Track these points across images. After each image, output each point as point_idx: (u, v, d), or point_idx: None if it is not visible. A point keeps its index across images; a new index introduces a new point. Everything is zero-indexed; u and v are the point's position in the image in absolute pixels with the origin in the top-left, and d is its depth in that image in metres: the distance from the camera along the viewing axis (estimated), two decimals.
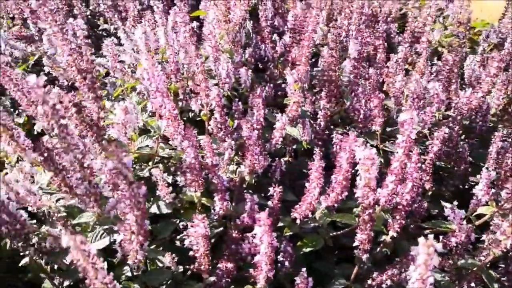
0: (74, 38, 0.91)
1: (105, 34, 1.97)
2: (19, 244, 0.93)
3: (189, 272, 1.09)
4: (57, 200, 1.05)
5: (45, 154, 0.84)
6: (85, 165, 0.78)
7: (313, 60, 1.82)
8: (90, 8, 2.14)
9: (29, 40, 1.46)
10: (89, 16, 2.11)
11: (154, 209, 1.17)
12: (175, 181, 1.23)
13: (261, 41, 1.84)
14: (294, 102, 1.29)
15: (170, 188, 1.18)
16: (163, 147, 1.24)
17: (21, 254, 1.17)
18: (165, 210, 1.16)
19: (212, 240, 1.14)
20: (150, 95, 1.00)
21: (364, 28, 1.95)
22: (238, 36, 1.59)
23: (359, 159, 0.92)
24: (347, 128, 1.70)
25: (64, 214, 0.95)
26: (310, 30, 1.24)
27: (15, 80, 1.09)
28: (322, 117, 1.39)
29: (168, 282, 1.07)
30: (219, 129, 1.30)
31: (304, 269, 0.91)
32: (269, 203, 1.14)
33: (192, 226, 0.88)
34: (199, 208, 1.20)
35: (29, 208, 0.91)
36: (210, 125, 1.30)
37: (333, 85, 1.43)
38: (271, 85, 1.66)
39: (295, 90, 1.32)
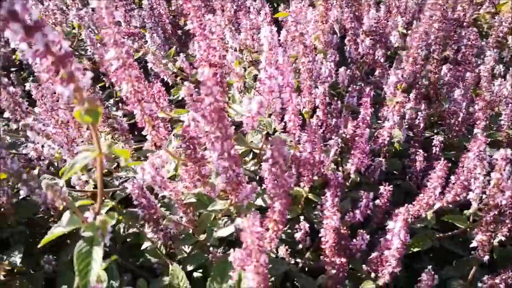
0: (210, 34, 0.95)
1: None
2: (152, 228, 0.97)
3: (300, 265, 1.12)
4: None
5: (188, 143, 0.89)
6: (232, 155, 0.82)
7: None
8: (172, 8, 2.21)
9: (136, 36, 1.53)
10: (171, 16, 2.18)
11: (259, 202, 1.19)
12: None
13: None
14: (397, 103, 1.30)
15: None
16: (267, 143, 1.27)
17: (131, 239, 1.23)
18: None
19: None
20: (271, 91, 1.03)
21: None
22: (330, 36, 1.61)
23: (488, 160, 0.92)
24: (435, 131, 1.68)
25: (193, 200, 0.99)
26: (421, 31, 1.24)
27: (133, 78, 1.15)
28: (422, 119, 1.39)
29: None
30: (320, 127, 1.32)
31: (429, 266, 0.92)
32: (378, 201, 1.15)
33: (325, 218, 0.90)
34: (302, 203, 1.23)
35: (165, 194, 0.95)
36: (311, 122, 1.32)
37: (431, 87, 1.42)
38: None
39: (396, 91, 1.32)
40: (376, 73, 1.83)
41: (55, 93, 1.22)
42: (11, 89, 1.01)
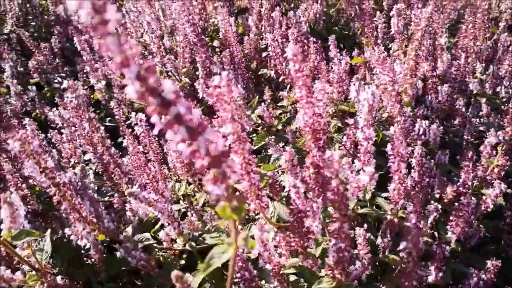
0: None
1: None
2: None
3: None
4: None
5: (296, 217, 0.85)
6: (347, 235, 0.77)
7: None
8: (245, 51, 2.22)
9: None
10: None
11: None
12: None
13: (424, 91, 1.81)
14: (497, 165, 1.21)
15: (369, 248, 1.14)
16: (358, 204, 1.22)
17: None
18: None
19: None
20: (367, 152, 0.98)
21: None
22: (416, 89, 1.56)
23: None
24: None
25: (292, 271, 0.95)
26: None
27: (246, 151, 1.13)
28: None
29: None
30: (413, 188, 1.25)
31: None
32: (483, 276, 1.06)
33: None
34: None
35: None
36: (408, 184, 1.25)
37: None
38: None
39: (496, 153, 1.24)
40: (456, 121, 1.77)
41: (145, 146, 1.23)
42: (113, 150, 1.01)
